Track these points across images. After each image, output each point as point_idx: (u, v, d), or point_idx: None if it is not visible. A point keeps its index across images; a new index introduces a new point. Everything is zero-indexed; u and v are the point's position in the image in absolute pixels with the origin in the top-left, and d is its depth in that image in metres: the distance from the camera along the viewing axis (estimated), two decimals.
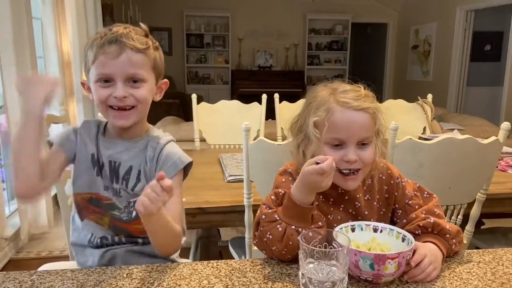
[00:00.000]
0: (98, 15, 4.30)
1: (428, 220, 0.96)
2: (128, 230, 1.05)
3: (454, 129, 2.81)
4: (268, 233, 0.91)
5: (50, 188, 1.08)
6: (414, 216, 0.99)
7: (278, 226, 0.90)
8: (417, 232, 0.96)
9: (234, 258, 1.72)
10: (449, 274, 0.88)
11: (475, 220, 1.57)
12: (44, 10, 3.16)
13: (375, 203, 1.02)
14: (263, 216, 0.93)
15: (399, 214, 1.03)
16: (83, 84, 1.06)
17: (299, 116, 1.03)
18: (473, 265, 0.93)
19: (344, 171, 0.95)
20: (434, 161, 1.46)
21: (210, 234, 2.09)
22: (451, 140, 1.45)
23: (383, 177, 1.04)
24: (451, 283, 0.85)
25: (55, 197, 2.96)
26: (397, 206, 1.04)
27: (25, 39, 2.63)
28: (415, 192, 1.04)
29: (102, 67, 0.96)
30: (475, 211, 1.56)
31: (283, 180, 1.02)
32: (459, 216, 1.57)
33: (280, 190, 0.97)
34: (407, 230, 0.92)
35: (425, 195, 1.05)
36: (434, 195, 1.05)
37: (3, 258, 2.52)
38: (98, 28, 4.20)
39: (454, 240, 0.95)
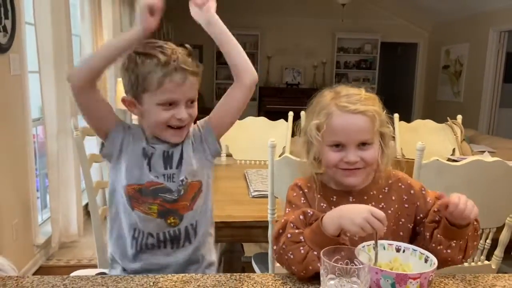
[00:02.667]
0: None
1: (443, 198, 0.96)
2: (176, 209, 1.11)
3: (484, 151, 2.75)
4: (290, 252, 0.92)
5: (88, 99, 1.07)
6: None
7: (301, 248, 0.91)
8: (437, 219, 0.98)
9: None
10: None
11: (505, 245, 1.53)
12: (83, 27, 3.32)
13: (389, 211, 1.02)
14: (289, 235, 0.94)
15: (424, 222, 1.02)
16: (123, 100, 1.10)
17: (306, 119, 1.09)
18: None
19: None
20: (461, 183, 1.44)
21: (234, 249, 2.11)
22: (479, 163, 1.43)
23: (403, 186, 1.06)
24: None
25: (85, 206, 3.05)
26: (421, 215, 1.03)
27: (64, 55, 2.77)
28: (436, 198, 1.04)
29: (169, 93, 1.03)
30: (504, 236, 1.52)
31: (294, 194, 1.05)
32: (488, 241, 1.54)
33: (308, 211, 0.97)
34: (427, 222, 0.97)
35: None
36: None
37: (34, 265, 2.61)
38: None
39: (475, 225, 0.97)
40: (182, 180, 1.10)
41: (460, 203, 0.90)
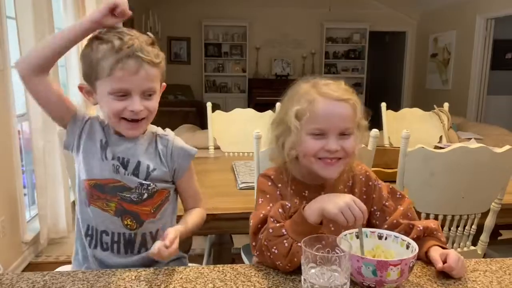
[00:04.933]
0: (119, 24, 4.41)
1: (418, 228, 0.98)
2: (137, 213, 1.06)
3: (471, 138, 2.77)
4: (274, 247, 0.91)
5: (40, 89, 1.01)
6: (395, 222, 1.02)
7: (285, 241, 0.90)
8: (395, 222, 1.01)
9: None
10: (454, 282, 0.88)
11: (490, 230, 1.55)
12: (66, 20, 3.26)
13: None
14: (270, 230, 0.92)
15: (377, 215, 1.06)
16: (80, 88, 1.06)
17: (280, 109, 1.06)
18: (479, 273, 0.92)
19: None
20: (446, 170, 1.45)
21: (223, 241, 2.10)
22: (463, 149, 1.43)
23: (363, 179, 1.07)
24: None
25: (74, 203, 3.03)
26: (375, 208, 1.06)
27: None
28: (388, 195, 1.07)
29: (120, 82, 0.97)
30: (489, 221, 1.54)
31: (269, 183, 1.04)
32: (473, 226, 1.55)
33: (286, 203, 0.97)
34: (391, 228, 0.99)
35: (397, 196, 1.08)
36: (406, 197, 1.08)
37: (22, 262, 2.59)
38: None
39: (439, 234, 1.00)
40: (148, 184, 1.05)
41: (456, 268, 0.90)
